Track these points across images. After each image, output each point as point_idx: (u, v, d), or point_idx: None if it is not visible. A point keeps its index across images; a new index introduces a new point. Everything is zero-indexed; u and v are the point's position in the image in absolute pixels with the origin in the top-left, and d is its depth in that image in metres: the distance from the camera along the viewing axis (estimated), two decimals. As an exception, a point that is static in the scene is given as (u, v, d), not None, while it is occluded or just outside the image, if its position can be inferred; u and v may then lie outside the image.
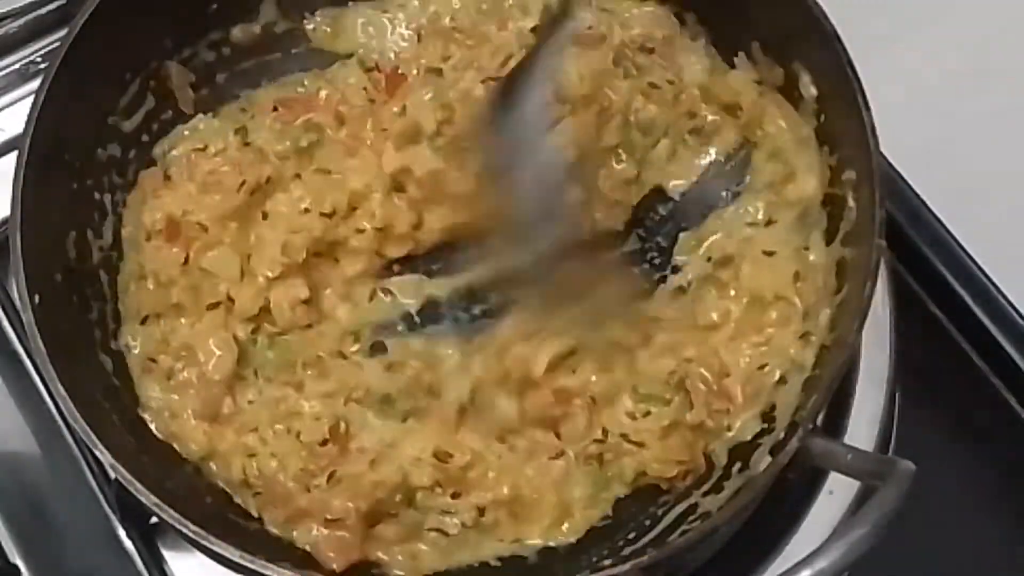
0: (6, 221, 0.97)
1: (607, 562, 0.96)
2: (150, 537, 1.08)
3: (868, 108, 0.97)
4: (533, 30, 1.15)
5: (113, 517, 1.09)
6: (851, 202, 1.00)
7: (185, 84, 1.14)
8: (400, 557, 0.98)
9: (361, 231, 1.07)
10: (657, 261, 1.11)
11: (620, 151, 1.11)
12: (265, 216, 1.08)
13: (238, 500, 1.01)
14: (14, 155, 0.98)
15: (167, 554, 1.08)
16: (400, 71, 1.14)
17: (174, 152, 1.11)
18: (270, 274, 1.05)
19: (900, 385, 1.11)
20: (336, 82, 1.15)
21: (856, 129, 0.98)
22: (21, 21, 1.27)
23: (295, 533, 0.98)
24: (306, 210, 1.08)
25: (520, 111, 0.98)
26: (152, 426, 1.02)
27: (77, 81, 1.02)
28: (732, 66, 1.12)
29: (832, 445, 0.91)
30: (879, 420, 1.09)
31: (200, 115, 1.13)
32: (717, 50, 1.14)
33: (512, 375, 1.02)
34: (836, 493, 1.07)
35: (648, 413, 1.02)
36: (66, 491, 1.11)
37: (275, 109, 1.13)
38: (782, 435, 0.94)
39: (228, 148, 1.11)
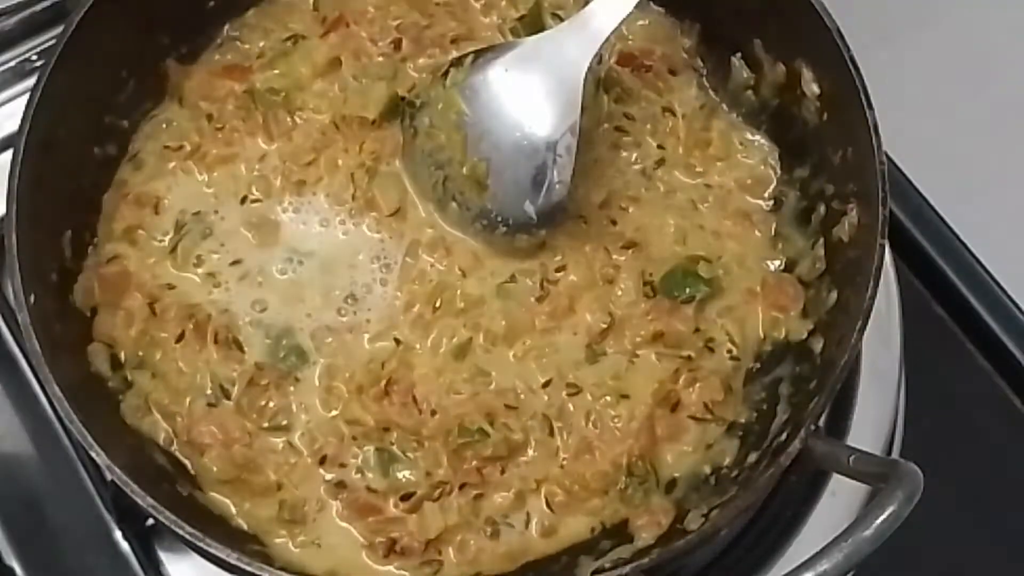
0: (1, 220, 0.97)
1: (607, 563, 0.95)
2: (146, 539, 1.08)
3: (871, 106, 0.97)
4: (520, 19, 1.16)
5: (109, 519, 1.09)
6: (853, 201, 1.00)
7: (182, 81, 1.13)
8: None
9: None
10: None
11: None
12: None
13: (229, 501, 1.00)
14: (9, 153, 0.97)
15: (163, 556, 1.08)
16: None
17: (149, 147, 1.11)
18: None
19: (904, 386, 1.11)
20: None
21: (859, 127, 0.97)
22: (16, 18, 1.26)
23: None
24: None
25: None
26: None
27: (73, 79, 1.01)
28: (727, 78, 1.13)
29: (835, 447, 0.90)
30: (883, 421, 1.09)
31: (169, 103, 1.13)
32: (715, 47, 1.14)
33: None
34: (839, 495, 1.06)
35: None
36: (62, 493, 1.11)
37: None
38: (784, 437, 0.94)
39: (203, 140, 1.11)
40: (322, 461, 1.00)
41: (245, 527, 0.98)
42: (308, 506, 0.98)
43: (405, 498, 0.98)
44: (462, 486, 0.99)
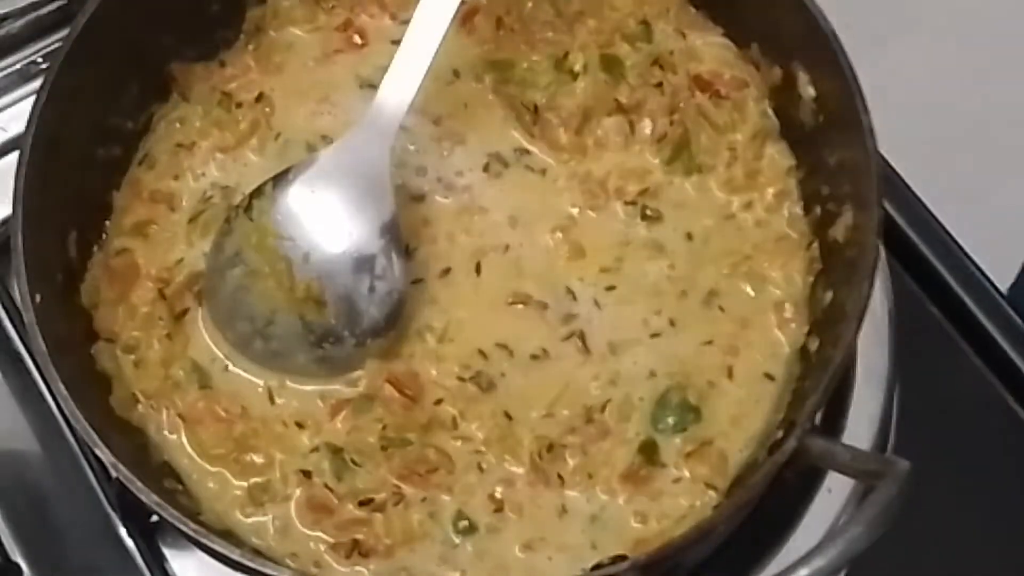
0: (7, 221, 0.98)
1: (606, 560, 0.96)
2: (151, 535, 1.08)
3: (867, 109, 0.97)
4: None
5: (114, 515, 1.09)
6: (849, 203, 1.01)
7: (189, 82, 1.14)
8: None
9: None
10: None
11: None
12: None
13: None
14: (15, 155, 0.98)
15: (168, 552, 1.08)
16: None
17: (160, 147, 1.12)
18: None
19: (898, 384, 1.12)
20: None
21: (854, 129, 0.98)
22: (22, 21, 1.27)
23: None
24: None
25: None
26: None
27: (78, 81, 1.02)
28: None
29: (830, 444, 0.91)
30: (877, 419, 1.09)
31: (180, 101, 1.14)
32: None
33: None
34: (834, 491, 1.07)
35: None
36: (67, 489, 1.12)
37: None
38: (780, 434, 0.94)
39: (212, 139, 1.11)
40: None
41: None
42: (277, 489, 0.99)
43: (363, 504, 0.97)
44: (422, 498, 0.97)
